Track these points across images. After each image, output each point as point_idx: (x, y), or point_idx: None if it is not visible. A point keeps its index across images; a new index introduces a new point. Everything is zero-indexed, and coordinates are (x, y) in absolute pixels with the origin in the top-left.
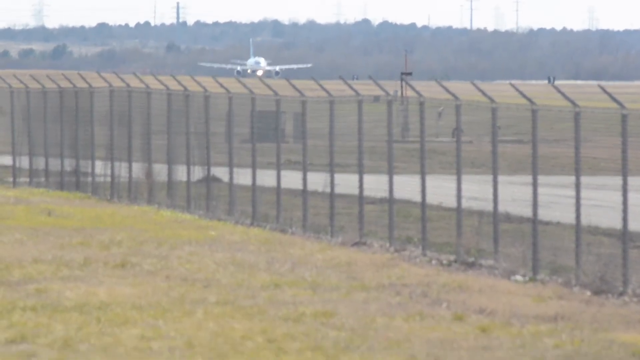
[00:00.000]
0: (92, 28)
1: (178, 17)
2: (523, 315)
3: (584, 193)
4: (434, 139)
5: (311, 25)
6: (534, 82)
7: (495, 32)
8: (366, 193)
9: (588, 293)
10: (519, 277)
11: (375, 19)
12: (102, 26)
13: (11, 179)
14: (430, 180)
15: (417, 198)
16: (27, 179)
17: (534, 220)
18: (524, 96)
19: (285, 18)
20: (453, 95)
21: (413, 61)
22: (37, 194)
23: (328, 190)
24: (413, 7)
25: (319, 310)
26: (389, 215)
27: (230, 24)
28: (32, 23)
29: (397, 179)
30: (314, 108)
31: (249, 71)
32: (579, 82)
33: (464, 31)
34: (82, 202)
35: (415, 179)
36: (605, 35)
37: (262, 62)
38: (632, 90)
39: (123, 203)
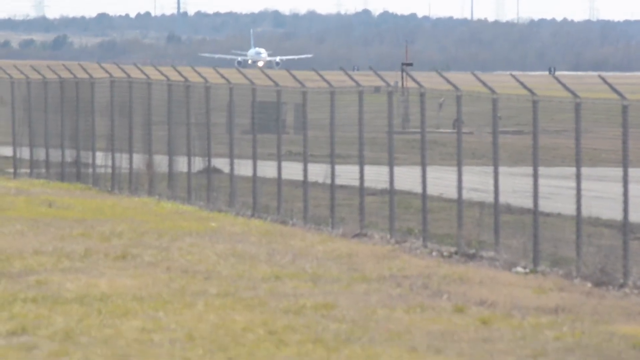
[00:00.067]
0: (93, 18)
1: (179, 8)
2: (524, 307)
3: (584, 184)
4: (434, 129)
5: (312, 15)
6: (534, 72)
7: (496, 22)
8: (367, 184)
9: (589, 285)
10: (519, 269)
11: (376, 10)
12: (103, 16)
13: (12, 170)
14: (431, 171)
15: (418, 189)
16: (28, 170)
17: (535, 212)
18: (525, 87)
19: (285, 8)
20: (454, 86)
21: (414, 52)
22: (37, 185)
23: (329, 181)
24: None
25: (320, 302)
26: (390, 206)
27: (230, 15)
28: (32, 13)
29: (397, 170)
30: (315, 99)
31: (249, 62)
32: (579, 72)
33: (464, 21)
34: (83, 193)
35: (416, 170)
36: (606, 26)
37: (263, 52)
38: (633, 81)
39: (124, 194)
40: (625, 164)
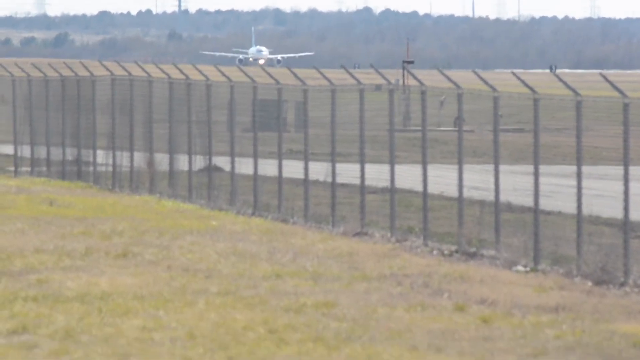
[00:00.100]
0: (94, 16)
1: (180, 5)
2: (524, 305)
3: (585, 182)
4: (435, 128)
5: (313, 13)
6: (535, 70)
7: (497, 20)
8: (368, 183)
9: (589, 283)
10: (520, 268)
11: (377, 7)
12: (104, 14)
13: (13, 168)
14: (432, 169)
15: (419, 188)
16: (29, 168)
17: (536, 210)
18: (526, 85)
19: (287, 6)
20: (455, 84)
21: (415, 49)
22: (38, 184)
23: (330, 179)
24: None
25: (320, 301)
26: (391, 205)
27: (232, 12)
28: (34, 11)
29: (398, 168)
30: (316, 97)
31: (250, 60)
32: (580, 70)
33: (465, 19)
34: (84, 191)
35: (417, 169)
36: (607, 24)
37: (264, 50)
38: (634, 79)
39: (125, 193)
40: (626, 162)
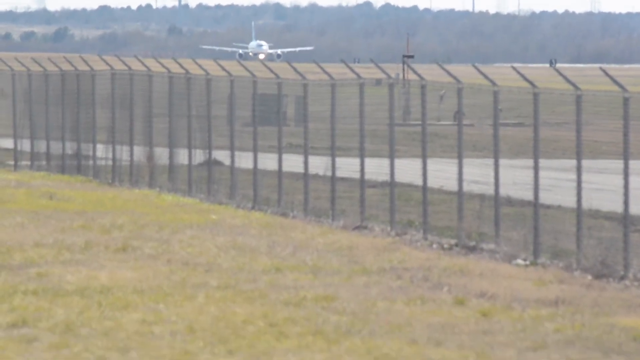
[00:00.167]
0: (94, 11)
1: (180, 0)
2: (524, 299)
3: (585, 176)
4: (435, 122)
5: (313, 8)
6: (535, 65)
7: (497, 14)
8: (367, 176)
9: (589, 277)
10: (520, 261)
11: (377, 2)
12: (104, 9)
13: (12, 162)
14: (432, 163)
15: (419, 181)
16: (29, 162)
17: (535, 204)
18: (526, 79)
19: (287, 1)
20: (455, 78)
21: (415, 44)
22: (38, 178)
23: (329, 173)
24: None
25: (320, 295)
26: (390, 198)
27: (232, 7)
28: (34, 6)
29: (398, 162)
30: (316, 91)
31: (250, 54)
32: (580, 65)
33: (465, 14)
34: (84, 185)
35: (417, 163)
36: (607, 18)
37: (264, 45)
38: (634, 73)
39: (124, 186)
40: (626, 156)
